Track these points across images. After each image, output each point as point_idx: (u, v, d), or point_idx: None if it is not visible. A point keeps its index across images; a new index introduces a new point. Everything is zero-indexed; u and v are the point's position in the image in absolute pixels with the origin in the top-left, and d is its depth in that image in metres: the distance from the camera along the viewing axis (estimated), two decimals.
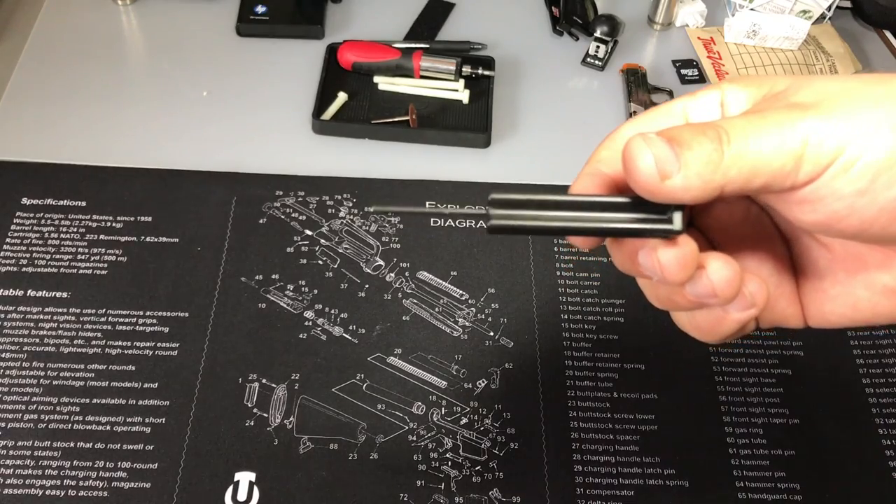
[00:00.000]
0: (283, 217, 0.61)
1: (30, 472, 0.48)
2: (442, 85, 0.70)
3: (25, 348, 0.53)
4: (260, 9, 0.75)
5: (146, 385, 0.52)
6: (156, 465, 0.49)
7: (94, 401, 0.51)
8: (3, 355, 0.53)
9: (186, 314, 0.56)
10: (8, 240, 0.58)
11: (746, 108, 0.29)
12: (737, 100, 0.29)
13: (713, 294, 0.27)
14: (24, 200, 0.61)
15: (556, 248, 0.61)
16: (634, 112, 0.68)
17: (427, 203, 0.63)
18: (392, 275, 0.59)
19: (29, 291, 0.56)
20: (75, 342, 0.54)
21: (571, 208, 0.28)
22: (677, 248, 0.27)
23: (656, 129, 0.29)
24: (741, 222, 0.31)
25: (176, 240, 0.59)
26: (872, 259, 0.29)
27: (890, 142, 0.25)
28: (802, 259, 0.31)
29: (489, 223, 0.28)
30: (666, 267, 0.27)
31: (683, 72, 0.75)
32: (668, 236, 0.27)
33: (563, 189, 0.29)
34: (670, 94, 0.71)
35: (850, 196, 0.26)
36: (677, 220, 0.27)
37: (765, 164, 0.25)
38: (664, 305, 0.30)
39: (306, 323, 0.56)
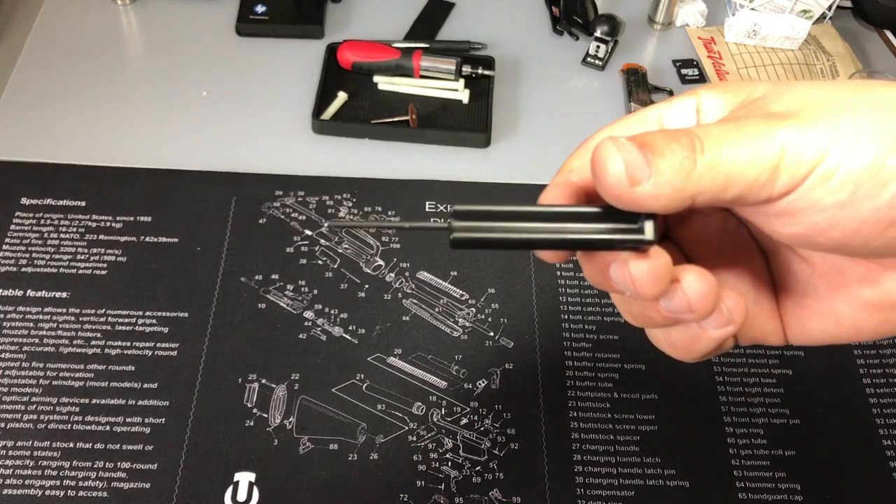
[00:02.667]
0: (282, 217, 0.61)
1: (29, 472, 0.48)
2: (442, 85, 0.70)
3: (25, 348, 0.53)
4: (260, 8, 0.75)
5: (146, 385, 0.52)
6: (155, 465, 0.49)
7: (94, 401, 0.51)
8: (2, 355, 0.53)
9: (186, 314, 0.56)
10: (7, 240, 0.58)
11: (723, 116, 0.28)
12: (713, 107, 0.28)
13: (688, 309, 0.26)
14: (24, 200, 0.61)
15: None
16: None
17: (427, 203, 0.63)
18: (392, 275, 0.59)
19: (28, 291, 0.56)
20: (75, 342, 0.54)
21: (539, 219, 0.27)
22: (649, 260, 0.26)
23: (634, 130, 0.28)
24: (718, 235, 0.31)
25: (176, 240, 0.59)
26: (854, 273, 0.28)
27: (871, 151, 0.24)
28: (782, 273, 0.31)
29: (451, 236, 0.26)
30: (638, 280, 0.26)
31: (684, 71, 0.75)
32: (640, 247, 0.26)
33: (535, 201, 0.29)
34: (670, 94, 0.71)
35: (831, 208, 0.25)
36: (648, 229, 0.26)
37: (739, 173, 0.25)
38: (639, 322, 0.29)
39: (306, 323, 0.56)
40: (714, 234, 0.31)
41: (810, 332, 0.30)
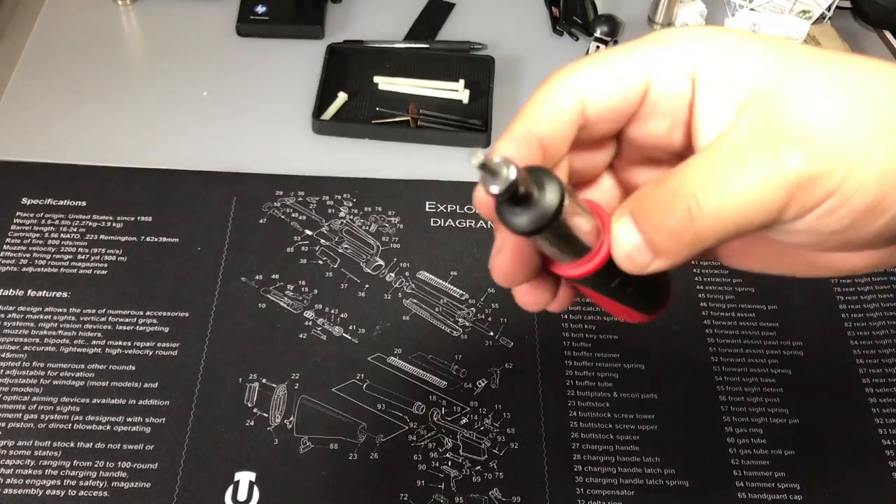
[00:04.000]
0: (283, 217, 0.61)
1: (30, 471, 0.48)
2: (442, 85, 0.71)
3: (25, 348, 0.53)
4: (260, 9, 0.75)
5: (146, 385, 0.52)
6: (156, 464, 0.49)
7: (94, 401, 0.51)
8: (3, 355, 0.53)
9: (186, 314, 0.56)
10: (8, 240, 0.58)
11: (723, 107, 0.26)
12: (713, 85, 0.26)
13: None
14: (25, 200, 0.61)
15: None
16: None
17: (427, 203, 0.63)
18: (392, 275, 0.59)
19: (29, 291, 0.56)
20: (75, 342, 0.54)
21: None
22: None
23: (614, 87, 0.27)
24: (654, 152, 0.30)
25: (176, 240, 0.59)
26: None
27: (877, 189, 0.24)
28: None
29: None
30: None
31: None
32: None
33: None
34: None
35: (826, 233, 0.25)
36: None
37: (746, 223, 0.24)
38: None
39: (306, 323, 0.56)
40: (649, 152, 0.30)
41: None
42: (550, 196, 0.24)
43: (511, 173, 0.23)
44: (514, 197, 0.24)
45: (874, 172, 0.24)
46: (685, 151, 0.28)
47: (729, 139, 0.25)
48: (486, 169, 0.23)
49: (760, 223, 0.24)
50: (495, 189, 0.23)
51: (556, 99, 0.28)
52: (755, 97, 0.25)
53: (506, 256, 0.29)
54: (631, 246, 0.25)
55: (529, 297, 0.30)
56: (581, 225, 0.26)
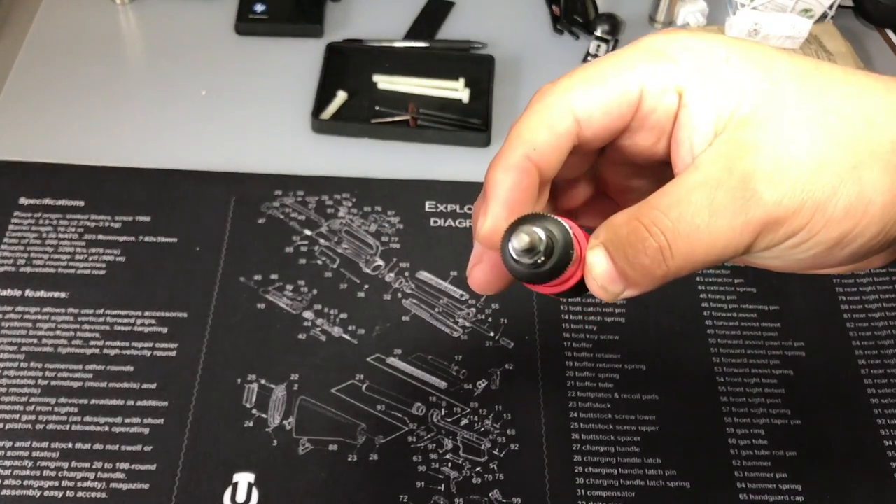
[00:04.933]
0: (282, 217, 0.61)
1: (27, 473, 0.48)
2: (442, 84, 0.70)
3: (23, 349, 0.53)
4: (259, 7, 0.75)
5: (144, 386, 0.52)
6: (154, 466, 0.49)
7: (93, 401, 0.51)
8: (0, 356, 0.53)
9: (185, 314, 0.55)
10: (5, 240, 0.58)
11: (701, 128, 0.26)
12: (698, 106, 0.27)
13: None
14: (22, 200, 0.60)
15: None
16: None
17: (427, 203, 0.63)
18: (392, 275, 0.58)
19: (27, 292, 0.56)
20: (73, 342, 0.54)
21: None
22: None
23: (610, 104, 0.27)
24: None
25: (174, 240, 0.59)
26: None
27: (844, 224, 0.25)
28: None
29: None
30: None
31: None
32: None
33: None
34: None
35: (792, 260, 0.26)
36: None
37: (715, 260, 0.26)
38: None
39: (305, 323, 0.56)
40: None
41: None
42: (561, 259, 0.26)
43: (542, 248, 0.25)
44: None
45: (842, 209, 0.24)
46: (666, 160, 0.29)
47: (700, 173, 0.26)
48: (528, 252, 0.25)
49: (728, 258, 0.26)
50: (525, 260, 0.26)
51: (552, 121, 0.27)
52: (732, 124, 0.26)
53: (484, 269, 0.30)
54: (605, 277, 0.26)
55: (484, 285, 0.32)
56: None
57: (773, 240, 0.25)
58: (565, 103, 0.27)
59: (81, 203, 0.61)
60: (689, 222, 0.25)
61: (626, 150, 0.30)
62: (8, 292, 0.56)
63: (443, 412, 0.52)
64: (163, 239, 0.59)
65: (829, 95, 0.25)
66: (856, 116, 0.25)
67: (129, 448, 0.50)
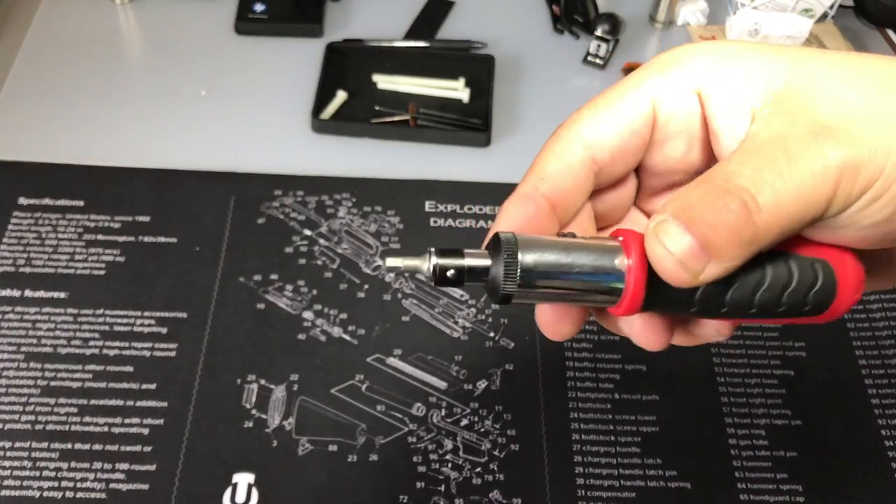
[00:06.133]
0: (281, 217, 0.61)
1: (27, 473, 0.48)
2: (442, 84, 0.70)
3: (23, 349, 0.53)
4: (259, 7, 0.75)
5: (144, 386, 0.52)
6: (154, 466, 0.49)
7: (92, 402, 0.51)
8: (0, 356, 0.53)
9: (185, 315, 0.55)
10: (5, 240, 0.58)
11: (742, 116, 0.25)
12: (723, 96, 0.26)
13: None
14: (22, 200, 0.60)
15: None
16: None
17: (427, 203, 0.62)
18: (392, 275, 0.58)
19: (26, 292, 0.56)
20: (73, 343, 0.53)
21: None
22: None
23: (620, 124, 0.26)
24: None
25: (174, 240, 0.59)
26: None
27: None
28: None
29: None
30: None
31: None
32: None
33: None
34: None
35: (868, 227, 0.24)
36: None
37: (800, 217, 0.23)
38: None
39: (305, 323, 0.55)
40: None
41: None
42: (494, 271, 0.25)
43: (429, 264, 0.25)
44: (461, 278, 0.25)
45: None
46: (706, 168, 0.28)
47: (763, 135, 0.24)
48: (399, 271, 0.25)
49: (811, 217, 0.24)
50: (423, 277, 0.26)
51: (561, 151, 0.27)
52: (771, 98, 0.25)
53: (545, 310, 0.28)
54: (681, 250, 0.23)
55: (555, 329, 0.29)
56: (584, 267, 0.25)
57: (850, 193, 0.23)
58: (574, 133, 0.27)
59: (81, 203, 0.60)
60: (770, 170, 0.23)
61: (662, 168, 0.29)
62: (7, 292, 0.55)
63: (443, 412, 0.52)
64: (162, 239, 0.59)
65: (857, 65, 0.25)
66: (889, 75, 0.25)
67: (128, 448, 0.49)
